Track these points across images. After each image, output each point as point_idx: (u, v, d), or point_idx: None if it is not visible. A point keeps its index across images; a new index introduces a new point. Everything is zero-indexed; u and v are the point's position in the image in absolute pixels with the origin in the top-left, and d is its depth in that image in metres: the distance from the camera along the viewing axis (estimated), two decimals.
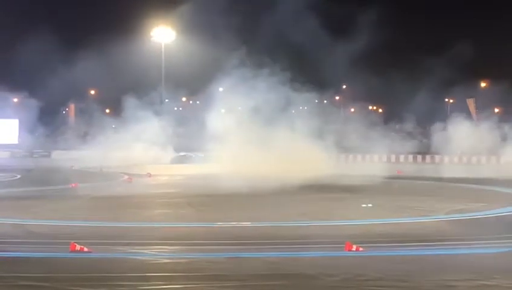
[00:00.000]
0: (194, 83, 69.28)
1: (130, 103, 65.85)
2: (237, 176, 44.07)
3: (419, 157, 76.37)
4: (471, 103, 73.31)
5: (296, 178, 42.50)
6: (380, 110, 76.74)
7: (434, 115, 72.02)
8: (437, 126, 67.82)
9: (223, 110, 56.51)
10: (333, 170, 50.07)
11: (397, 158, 69.96)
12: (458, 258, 19.24)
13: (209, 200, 35.82)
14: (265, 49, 53.90)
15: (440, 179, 51.06)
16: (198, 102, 75.80)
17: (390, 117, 64.91)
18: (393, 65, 67.98)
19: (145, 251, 19.68)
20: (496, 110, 69.50)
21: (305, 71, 53.05)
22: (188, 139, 64.56)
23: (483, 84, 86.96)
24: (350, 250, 19.53)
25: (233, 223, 26.11)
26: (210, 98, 56.28)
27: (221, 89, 56.84)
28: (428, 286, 15.48)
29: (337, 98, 67.80)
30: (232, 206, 32.65)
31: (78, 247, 19.23)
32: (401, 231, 24.40)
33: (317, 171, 46.48)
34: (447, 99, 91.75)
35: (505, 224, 26.76)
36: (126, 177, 52.76)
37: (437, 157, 74.24)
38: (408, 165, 63.95)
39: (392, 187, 43.74)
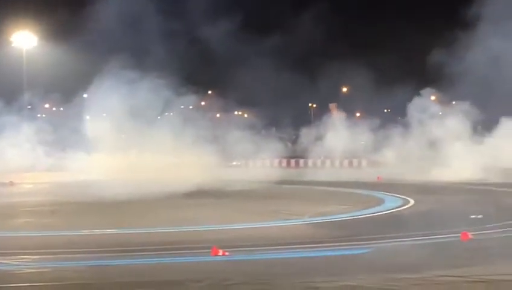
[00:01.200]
0: (58, 89, 67.76)
1: None
2: (114, 182, 43.37)
3: (285, 161, 77.28)
4: (333, 107, 74.87)
5: (178, 184, 42.22)
6: (246, 115, 77.42)
7: (299, 120, 73.20)
8: (303, 131, 68.99)
9: (88, 117, 55.63)
10: (213, 175, 49.91)
11: (263, 163, 70.63)
12: (322, 260, 19.57)
13: (76, 207, 35.09)
14: (134, 55, 53.26)
15: (305, 183, 51.97)
16: (61, 109, 74.19)
17: (259, 122, 65.31)
18: (258, 70, 68.53)
19: (6, 261, 19.05)
20: (358, 114, 71.40)
21: (174, 76, 52.73)
22: (61, 146, 63.02)
23: (344, 89, 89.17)
24: (216, 255, 19.56)
25: (99, 231, 25.67)
26: (78, 104, 55.27)
27: (85, 96, 55.94)
28: (293, 289, 15.67)
29: (202, 103, 67.94)
30: (100, 214, 32.11)
31: None
32: (267, 234, 24.67)
33: (199, 176, 46.40)
34: (310, 104, 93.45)
35: (367, 225, 27.48)
36: None
37: (302, 162, 75.48)
38: (276, 169, 64.44)
39: (258, 191, 44.08)
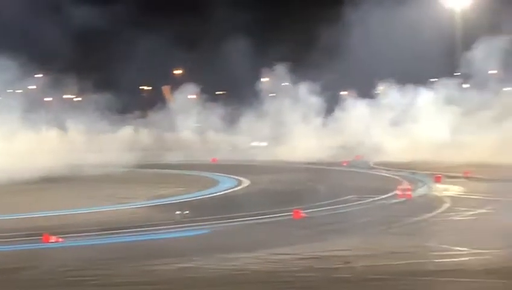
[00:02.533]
0: None
1: None
2: None
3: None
4: (167, 90, 74.34)
5: (26, 169, 40.54)
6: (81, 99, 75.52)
7: (132, 103, 72.38)
8: (137, 114, 68.34)
9: None
10: (68, 160, 48.18)
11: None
12: (159, 243, 19.57)
13: None
14: None
15: (141, 166, 51.46)
16: None
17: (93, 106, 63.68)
18: (88, 53, 67.30)
19: None
20: (193, 96, 71.29)
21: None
22: None
23: (178, 72, 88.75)
24: (48, 241, 19.11)
25: None
26: None
27: None
28: (130, 272, 15.58)
29: (32, 87, 65.66)
30: None
31: None
32: (103, 219, 24.31)
33: (54, 161, 44.98)
34: (142, 87, 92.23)
35: (203, 206, 27.64)
36: None
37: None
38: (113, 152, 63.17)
39: (100, 176, 43.11)
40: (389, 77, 59.33)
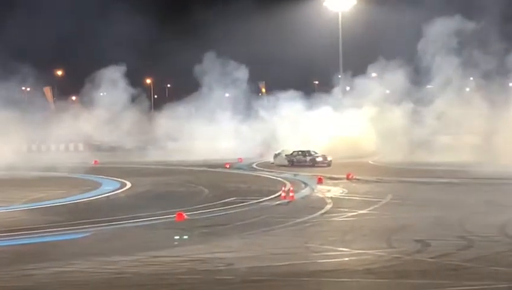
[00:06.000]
0: None
1: None
2: None
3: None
4: (48, 91, 72.79)
5: None
6: None
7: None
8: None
9: None
10: None
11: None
12: (39, 247, 18.99)
13: None
14: None
15: (22, 168, 49.98)
16: None
17: None
18: None
19: None
20: (73, 98, 70.07)
21: None
22: None
23: (59, 73, 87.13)
24: None
25: None
26: None
27: None
28: (6, 278, 15.05)
29: None
30: None
31: None
32: None
33: None
34: (24, 88, 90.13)
35: (85, 209, 27.11)
36: None
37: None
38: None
39: None
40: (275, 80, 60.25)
